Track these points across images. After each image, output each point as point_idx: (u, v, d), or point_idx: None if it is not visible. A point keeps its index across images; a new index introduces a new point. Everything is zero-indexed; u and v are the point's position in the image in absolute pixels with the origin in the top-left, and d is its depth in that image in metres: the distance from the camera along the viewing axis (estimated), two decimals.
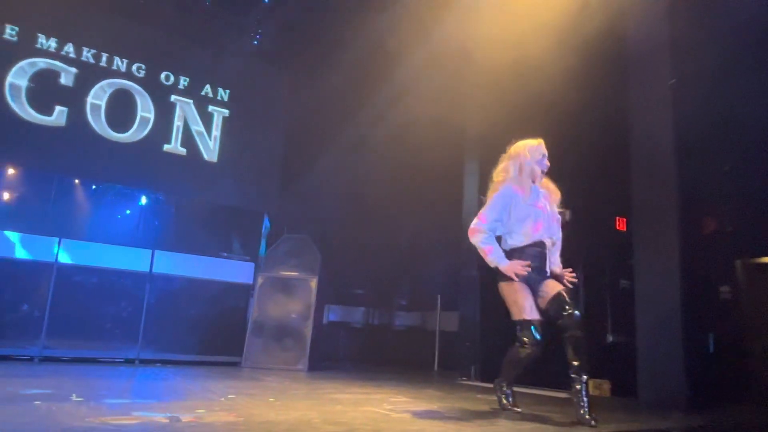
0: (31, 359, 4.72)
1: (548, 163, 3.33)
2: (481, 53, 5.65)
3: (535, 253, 3.18)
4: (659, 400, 3.95)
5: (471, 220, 3.21)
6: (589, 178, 5.27)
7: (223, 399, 3.22)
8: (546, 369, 3.41)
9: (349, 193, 7.56)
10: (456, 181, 6.97)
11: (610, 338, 4.95)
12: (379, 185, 7.41)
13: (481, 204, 3.38)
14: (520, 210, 3.18)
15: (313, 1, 6.84)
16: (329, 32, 6.90)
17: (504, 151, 3.35)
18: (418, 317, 7.81)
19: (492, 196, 3.24)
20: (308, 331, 5.78)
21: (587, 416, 2.85)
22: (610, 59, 5.00)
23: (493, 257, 3.16)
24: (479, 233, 3.19)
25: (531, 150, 3.28)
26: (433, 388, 4.59)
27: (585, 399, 2.89)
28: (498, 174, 3.33)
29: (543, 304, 3.15)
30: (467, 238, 3.32)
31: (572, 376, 2.95)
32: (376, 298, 7.97)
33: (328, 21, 6.86)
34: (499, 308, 5.85)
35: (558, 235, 3.32)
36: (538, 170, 3.28)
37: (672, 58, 4.46)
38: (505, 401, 3.27)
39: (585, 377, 2.93)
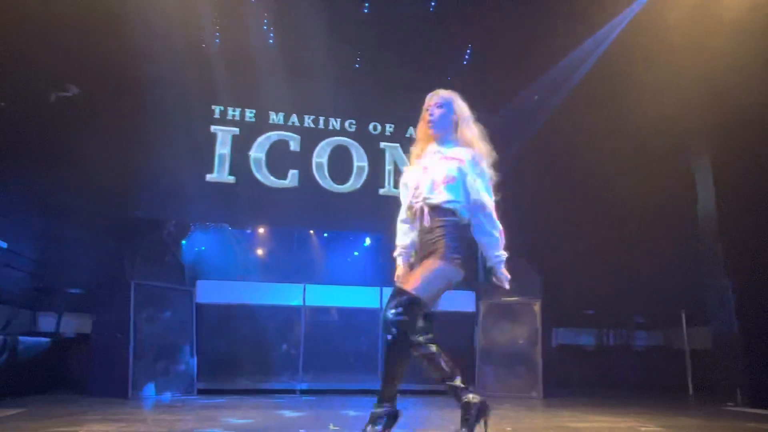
0: (293, 392, 5.39)
1: (428, 117, 2.80)
2: (711, 38, 5.08)
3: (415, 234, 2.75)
4: None
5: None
6: None
7: (455, 429, 3.28)
8: None
9: (566, 207, 7.23)
10: (686, 179, 6.26)
11: None
12: (598, 193, 6.97)
13: None
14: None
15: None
16: (525, 53, 6.83)
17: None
18: (660, 336, 7.04)
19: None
20: (538, 356, 5.62)
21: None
22: None
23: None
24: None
25: None
26: (689, 416, 4.08)
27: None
28: None
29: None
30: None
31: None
32: (609, 317, 7.39)
33: (524, 44, 6.81)
34: (762, 321, 5.00)
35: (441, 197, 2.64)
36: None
37: None
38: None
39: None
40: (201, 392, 5.19)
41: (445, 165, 2.69)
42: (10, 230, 5.38)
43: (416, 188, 2.74)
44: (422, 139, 2.89)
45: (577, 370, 6.81)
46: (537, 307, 5.75)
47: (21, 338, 4.44)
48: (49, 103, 6.02)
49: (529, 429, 3.29)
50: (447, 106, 2.83)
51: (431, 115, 2.82)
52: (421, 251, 2.68)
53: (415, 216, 2.72)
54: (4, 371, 4.06)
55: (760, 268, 4.94)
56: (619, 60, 6.29)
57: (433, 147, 2.82)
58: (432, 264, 2.56)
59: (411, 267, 2.77)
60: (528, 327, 5.75)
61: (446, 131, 2.81)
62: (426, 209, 2.66)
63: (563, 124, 7.07)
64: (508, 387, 5.63)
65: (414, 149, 2.94)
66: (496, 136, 3.03)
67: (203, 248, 7.50)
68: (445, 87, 2.97)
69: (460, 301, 6.02)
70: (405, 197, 2.84)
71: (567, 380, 6.46)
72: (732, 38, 4.91)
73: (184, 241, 7.09)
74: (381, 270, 7.80)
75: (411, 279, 2.57)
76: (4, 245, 3.97)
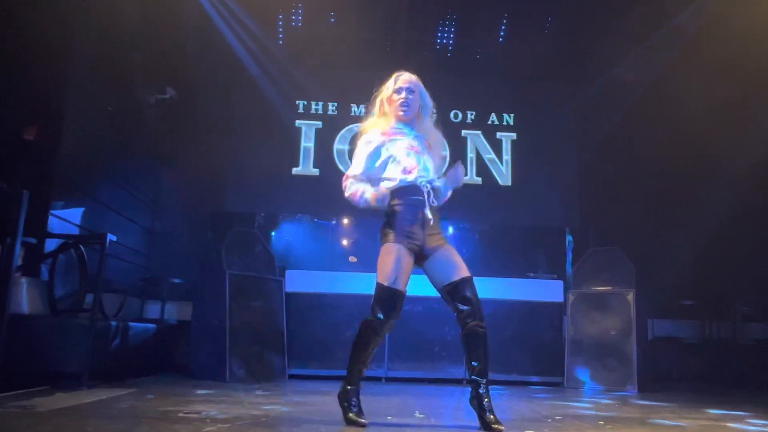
0: (379, 379, 5.49)
1: (402, 100, 2.88)
2: None
3: (414, 202, 2.78)
4: None
5: None
6: None
7: (550, 420, 3.22)
8: None
9: (662, 191, 6.83)
10: None
11: None
12: (697, 175, 6.53)
13: None
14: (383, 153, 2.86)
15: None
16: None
17: None
18: None
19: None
20: (632, 349, 5.38)
21: (493, 422, 2.58)
22: None
23: (368, 193, 2.78)
24: (345, 182, 2.89)
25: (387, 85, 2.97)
26: None
27: (489, 403, 2.64)
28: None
29: (435, 280, 2.81)
30: None
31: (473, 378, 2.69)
32: (711, 308, 6.91)
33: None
34: None
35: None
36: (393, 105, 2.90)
37: None
38: (351, 414, 2.71)
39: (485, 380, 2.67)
40: (292, 377, 5.41)
41: (437, 152, 2.99)
42: (119, 225, 5.83)
43: (414, 168, 2.84)
44: (386, 115, 2.96)
45: (676, 364, 6.44)
46: (630, 297, 5.50)
47: (131, 324, 4.81)
48: (149, 105, 6.44)
49: (624, 424, 3.16)
50: (418, 91, 2.96)
51: (406, 99, 2.91)
52: (419, 222, 2.81)
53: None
54: (116, 354, 4.43)
55: None
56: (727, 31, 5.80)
57: (402, 127, 2.93)
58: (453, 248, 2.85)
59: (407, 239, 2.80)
60: (621, 318, 5.51)
61: (414, 116, 2.95)
62: (432, 193, 2.85)
63: (658, 105, 6.66)
64: (599, 379, 5.44)
65: (375, 121, 2.98)
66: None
67: (291, 239, 7.76)
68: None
69: (548, 291, 5.87)
70: (367, 158, 2.88)
71: (665, 375, 6.13)
72: None
73: (273, 233, 7.38)
74: (463, 259, 7.73)
75: (463, 265, 2.82)
76: (114, 238, 4.31)
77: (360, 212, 7.57)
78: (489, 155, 7.36)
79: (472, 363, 2.73)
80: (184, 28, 6.78)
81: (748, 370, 6.13)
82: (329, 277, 5.92)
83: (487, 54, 7.50)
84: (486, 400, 2.68)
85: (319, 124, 7.27)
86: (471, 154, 7.32)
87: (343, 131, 7.23)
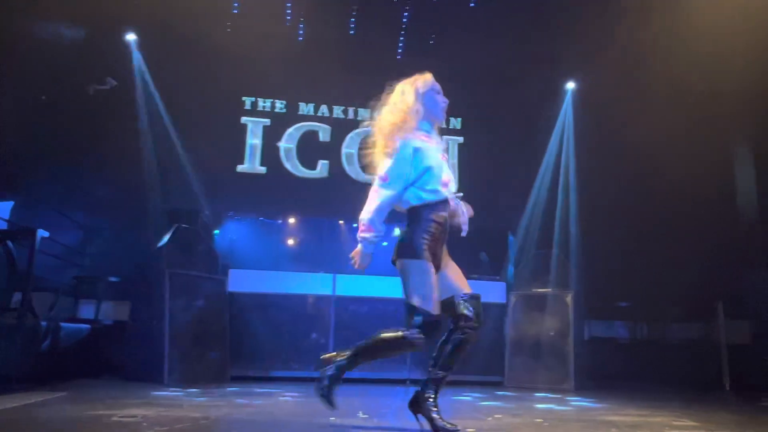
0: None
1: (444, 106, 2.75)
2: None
3: (442, 219, 2.66)
4: None
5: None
6: None
7: (489, 419, 3.29)
8: None
9: (599, 197, 7.11)
10: (726, 167, 6.12)
11: None
12: (632, 183, 6.84)
13: None
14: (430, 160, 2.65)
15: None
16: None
17: None
18: (696, 329, 6.87)
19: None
20: (570, 348, 5.57)
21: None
22: None
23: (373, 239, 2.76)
24: (377, 200, 2.82)
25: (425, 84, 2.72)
26: (727, 411, 3.99)
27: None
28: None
29: (448, 289, 2.68)
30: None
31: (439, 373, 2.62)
32: (643, 309, 7.25)
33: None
34: None
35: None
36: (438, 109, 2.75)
37: None
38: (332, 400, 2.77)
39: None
40: (234, 379, 5.30)
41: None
42: (53, 221, 5.56)
43: (449, 181, 2.74)
44: (416, 118, 2.71)
45: (610, 363, 6.71)
46: (569, 299, 5.69)
47: (63, 324, 4.59)
48: (88, 96, 6.17)
49: (560, 421, 3.27)
50: None
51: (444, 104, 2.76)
52: (441, 241, 2.74)
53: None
54: (46, 356, 4.22)
55: None
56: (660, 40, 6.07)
57: (433, 134, 2.77)
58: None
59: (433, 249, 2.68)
60: (559, 319, 5.69)
61: None
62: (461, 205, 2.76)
63: (602, 114, 6.90)
64: (538, 378, 5.60)
65: (415, 124, 2.70)
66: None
67: (235, 238, 7.61)
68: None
69: (490, 292, 5.99)
70: (410, 167, 2.64)
71: (600, 373, 6.38)
72: None
73: (216, 231, 7.21)
74: None
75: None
76: (46, 234, 4.11)
77: (307, 212, 7.52)
78: None
79: (450, 366, 2.67)
80: (127, 15, 6.53)
81: (675, 368, 6.47)
82: (274, 276, 5.85)
83: (435, 58, 7.59)
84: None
85: (266, 121, 7.16)
86: None
87: (290, 129, 7.16)
